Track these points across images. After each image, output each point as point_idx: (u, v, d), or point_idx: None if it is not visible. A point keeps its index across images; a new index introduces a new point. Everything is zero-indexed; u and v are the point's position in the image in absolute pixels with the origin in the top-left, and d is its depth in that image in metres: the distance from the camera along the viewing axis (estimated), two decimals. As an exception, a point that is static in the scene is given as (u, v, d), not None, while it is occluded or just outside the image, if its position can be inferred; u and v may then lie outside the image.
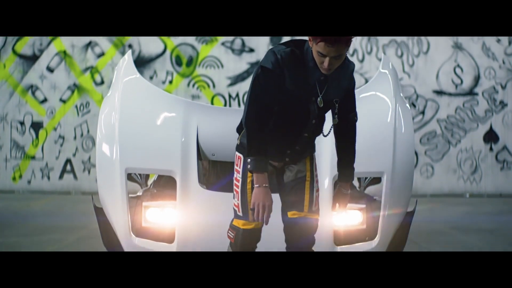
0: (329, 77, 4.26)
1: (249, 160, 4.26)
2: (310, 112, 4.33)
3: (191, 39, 13.34)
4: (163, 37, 13.29)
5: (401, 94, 6.54)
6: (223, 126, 5.99)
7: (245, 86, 13.10)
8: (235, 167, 4.58)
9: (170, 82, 13.33)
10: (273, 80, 4.20)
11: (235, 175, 4.59)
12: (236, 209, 4.51)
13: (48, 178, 13.26)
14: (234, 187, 4.56)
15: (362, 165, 5.02)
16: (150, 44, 13.32)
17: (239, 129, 4.70)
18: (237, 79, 13.31)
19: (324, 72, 4.18)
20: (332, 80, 4.29)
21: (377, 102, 6.31)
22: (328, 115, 4.54)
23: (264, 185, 4.23)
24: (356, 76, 13.93)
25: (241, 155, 4.55)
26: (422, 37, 13.44)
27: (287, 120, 4.34)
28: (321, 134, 4.57)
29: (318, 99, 4.28)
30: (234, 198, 4.55)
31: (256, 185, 4.23)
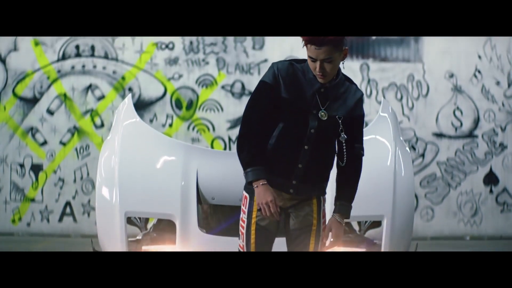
0: (331, 91, 4.30)
1: (246, 172, 4.33)
2: (309, 124, 4.27)
3: (191, 83, 13.39)
4: (163, 80, 13.35)
5: (401, 138, 6.55)
6: (223, 170, 6.00)
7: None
8: (242, 207, 4.56)
9: (170, 125, 13.34)
10: (269, 92, 4.32)
11: (241, 215, 4.54)
12: (241, 250, 4.46)
13: (48, 220, 13.22)
14: (240, 227, 4.51)
15: (362, 208, 5.00)
16: (150, 87, 13.36)
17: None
18: (237, 123, 13.33)
19: (320, 80, 4.22)
20: (335, 96, 4.32)
21: (377, 146, 6.32)
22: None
23: (261, 183, 4.29)
24: (356, 119, 14.06)
25: (247, 195, 4.50)
26: (422, 80, 13.50)
27: (287, 133, 4.30)
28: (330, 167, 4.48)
29: (320, 112, 4.27)
30: (239, 239, 4.50)
31: (255, 186, 4.31)
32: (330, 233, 4.48)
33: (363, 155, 4.45)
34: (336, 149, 4.44)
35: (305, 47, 4.20)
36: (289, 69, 4.30)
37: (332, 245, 4.49)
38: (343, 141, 4.32)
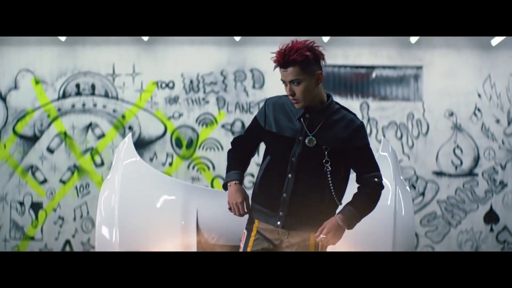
0: (317, 117, 4.26)
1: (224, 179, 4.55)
2: (293, 151, 4.24)
3: (191, 122, 13.42)
4: (163, 119, 13.37)
5: (401, 177, 6.55)
6: (223, 210, 5.97)
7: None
8: (240, 243, 4.59)
9: (170, 164, 13.35)
10: (256, 126, 4.45)
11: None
12: None
13: (47, 259, 13.15)
14: None
15: (362, 247, 4.99)
16: (150, 126, 13.39)
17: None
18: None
19: (295, 105, 4.25)
20: (325, 123, 4.25)
21: (377, 185, 6.30)
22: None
23: (234, 183, 4.47)
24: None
25: (246, 231, 4.58)
26: (422, 119, 13.53)
27: (273, 164, 4.30)
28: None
29: (307, 138, 4.22)
30: None
31: (228, 186, 4.50)
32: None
33: (378, 183, 4.31)
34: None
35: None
36: (277, 102, 4.43)
37: (324, 239, 4.21)
38: (328, 174, 4.20)
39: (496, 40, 13.27)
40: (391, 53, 13.68)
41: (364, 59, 13.68)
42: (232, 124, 13.43)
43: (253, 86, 13.59)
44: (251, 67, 13.61)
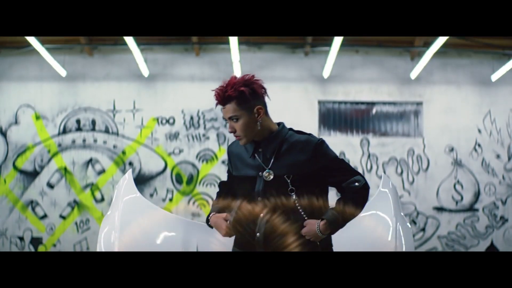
0: (268, 149, 4.03)
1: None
2: (256, 189, 4.01)
3: (191, 158, 13.44)
4: (163, 155, 13.39)
5: (402, 213, 6.53)
6: (223, 246, 5.95)
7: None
8: None
9: (170, 199, 13.33)
10: (229, 170, 4.32)
11: None
12: None
13: (46, 296, 13.08)
14: None
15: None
16: (150, 162, 13.40)
17: None
18: (237, 196, 13.30)
19: (240, 142, 4.07)
20: (279, 153, 4.02)
21: (378, 221, 6.29)
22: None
23: (211, 216, 4.36)
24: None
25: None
26: (422, 154, 13.55)
27: (243, 205, 4.07)
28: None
29: (264, 173, 4.00)
30: None
31: (209, 223, 4.43)
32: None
33: (360, 186, 4.04)
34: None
35: None
36: (235, 144, 4.23)
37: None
38: (296, 203, 3.93)
39: (496, 76, 13.33)
40: (391, 89, 13.73)
41: (364, 95, 13.73)
42: (233, 160, 13.42)
43: (254, 122, 13.60)
44: (252, 103, 13.63)
